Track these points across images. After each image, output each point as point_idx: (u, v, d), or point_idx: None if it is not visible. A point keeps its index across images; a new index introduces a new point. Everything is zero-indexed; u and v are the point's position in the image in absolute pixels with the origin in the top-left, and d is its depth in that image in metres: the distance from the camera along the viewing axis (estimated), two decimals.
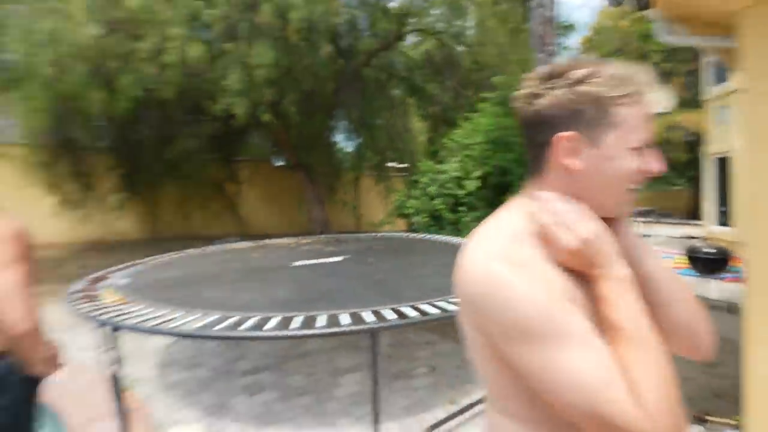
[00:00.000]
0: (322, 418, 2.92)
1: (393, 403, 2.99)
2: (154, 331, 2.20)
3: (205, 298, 2.83)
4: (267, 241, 5.40)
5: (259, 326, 2.16)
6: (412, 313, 2.34)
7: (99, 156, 8.56)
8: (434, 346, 4.23)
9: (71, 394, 3.19)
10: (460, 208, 6.59)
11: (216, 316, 2.34)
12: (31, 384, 1.51)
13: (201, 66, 5.16)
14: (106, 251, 8.60)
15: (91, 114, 5.30)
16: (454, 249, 4.80)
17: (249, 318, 2.26)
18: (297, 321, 2.21)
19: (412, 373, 3.58)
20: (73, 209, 8.18)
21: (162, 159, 8.07)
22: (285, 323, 2.23)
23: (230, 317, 2.30)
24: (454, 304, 2.45)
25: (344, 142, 11.08)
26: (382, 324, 2.17)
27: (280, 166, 11.45)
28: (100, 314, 2.47)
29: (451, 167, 6.79)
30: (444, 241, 5.28)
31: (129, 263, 4.22)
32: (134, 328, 2.27)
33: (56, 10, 4.40)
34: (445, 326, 4.78)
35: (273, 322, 2.21)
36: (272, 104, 5.56)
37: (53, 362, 1.53)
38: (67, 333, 4.49)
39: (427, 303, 2.49)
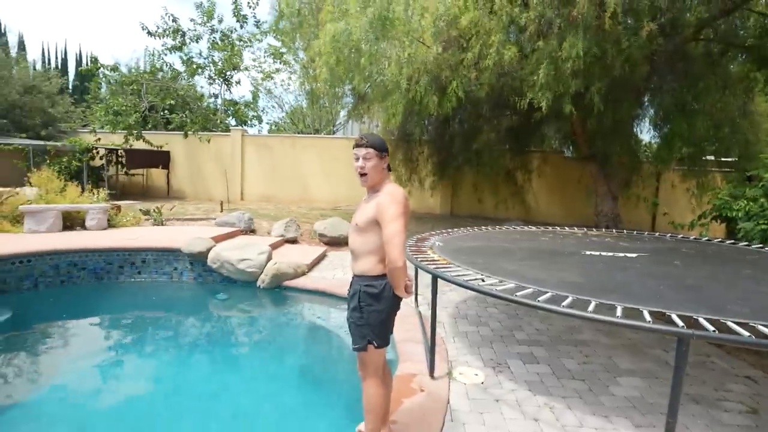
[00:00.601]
0: (596, 408, 2.70)
1: (687, 428, 2.46)
2: (467, 286, 2.50)
3: (501, 267, 3.04)
4: (555, 228, 5.23)
5: (554, 301, 2.18)
6: (741, 330, 1.83)
7: (422, 147, 10.26)
8: (757, 384, 3.17)
9: (398, 317, 4.12)
10: None
11: (511, 285, 2.50)
12: (396, 300, 2.06)
13: (512, 65, 5.37)
14: (420, 221, 10.35)
15: (429, 115, 6.40)
16: None
17: (544, 293, 2.30)
18: (592, 305, 2.10)
19: (719, 404, 2.82)
20: (403, 187, 10.15)
21: (467, 150, 8.93)
22: (579, 305, 2.16)
23: (526, 288, 2.40)
24: None
25: (649, 132, 9.24)
26: (696, 332, 1.79)
27: (569, 157, 10.67)
28: (428, 265, 3.05)
29: None
30: None
31: (440, 231, 4.96)
32: (451, 281, 2.69)
33: (414, 39, 5.53)
34: None
35: (567, 301, 2.17)
36: (576, 95, 5.21)
37: (409, 290, 2.02)
38: None
39: (765, 325, 1.89)
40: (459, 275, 2.72)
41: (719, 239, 4.80)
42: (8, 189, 7.36)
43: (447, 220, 10.11)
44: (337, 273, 5.87)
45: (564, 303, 2.14)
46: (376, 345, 2.02)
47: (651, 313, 2.04)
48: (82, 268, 5.32)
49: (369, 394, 2.09)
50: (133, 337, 4.24)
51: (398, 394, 2.72)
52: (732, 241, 4.73)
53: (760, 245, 4.48)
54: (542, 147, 10.84)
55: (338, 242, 7.64)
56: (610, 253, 3.71)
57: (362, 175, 2.00)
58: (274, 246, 6.71)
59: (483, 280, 2.64)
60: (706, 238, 4.93)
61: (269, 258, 5.65)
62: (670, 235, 5.11)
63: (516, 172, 10.09)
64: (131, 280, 5.55)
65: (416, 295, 4.43)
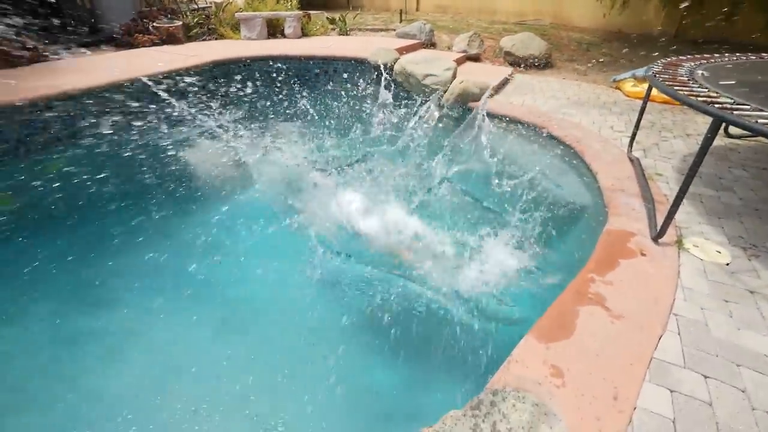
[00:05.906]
0: None
1: None
2: None
3: None
4: None
5: None
6: None
7: None
8: None
9: (604, 160, 3.32)
10: None
11: None
12: None
13: None
14: (627, 43, 7.82)
15: None
16: None
17: None
18: None
19: None
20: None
21: None
22: None
23: None
24: None
25: None
26: None
27: None
28: (703, 103, 2.06)
29: None
30: None
31: (690, 56, 3.44)
32: (756, 129, 1.75)
33: None
34: None
35: None
36: None
37: None
38: (596, 110, 4.54)
39: None
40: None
41: None
42: None
43: (670, 46, 7.32)
44: (526, 99, 4.96)
45: None
46: None
47: None
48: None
49: None
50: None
51: (612, 250, 2.26)
52: None
53: None
54: None
55: (526, 63, 6.34)
56: None
57: None
58: (457, 62, 5.90)
59: None
60: None
61: (454, 75, 5.00)
62: None
63: None
64: (327, 88, 5.70)
65: (633, 136, 3.42)
